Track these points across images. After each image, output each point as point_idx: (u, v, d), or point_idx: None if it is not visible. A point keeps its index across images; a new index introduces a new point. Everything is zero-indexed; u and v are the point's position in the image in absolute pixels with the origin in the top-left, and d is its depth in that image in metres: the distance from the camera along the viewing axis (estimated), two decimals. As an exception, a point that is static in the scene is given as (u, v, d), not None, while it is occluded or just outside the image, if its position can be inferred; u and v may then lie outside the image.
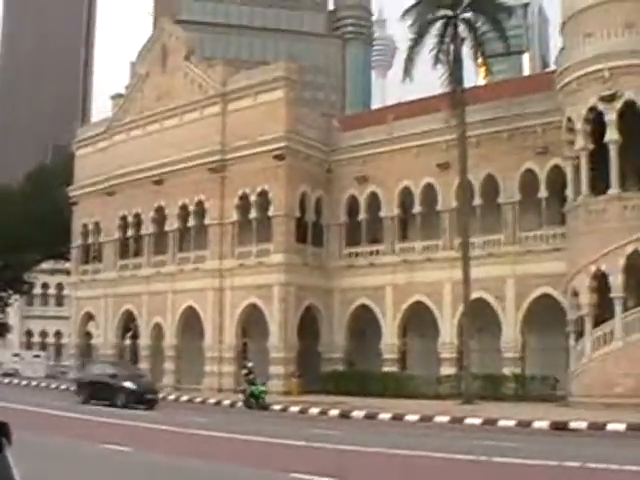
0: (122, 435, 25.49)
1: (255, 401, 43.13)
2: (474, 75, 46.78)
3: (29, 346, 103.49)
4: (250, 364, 46.99)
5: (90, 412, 35.64)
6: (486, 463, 19.54)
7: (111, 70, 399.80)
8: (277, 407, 43.03)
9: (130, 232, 65.18)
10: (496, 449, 22.11)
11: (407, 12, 48.36)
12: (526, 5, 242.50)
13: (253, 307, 55.73)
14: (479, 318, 47.38)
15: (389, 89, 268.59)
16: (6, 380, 70.53)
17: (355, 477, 17.71)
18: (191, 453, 21.20)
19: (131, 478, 17.28)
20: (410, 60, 47.43)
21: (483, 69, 48.26)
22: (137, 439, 25.11)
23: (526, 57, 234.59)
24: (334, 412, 39.52)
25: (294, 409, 41.96)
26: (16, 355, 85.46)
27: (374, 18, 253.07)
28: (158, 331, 61.77)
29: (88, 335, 73.31)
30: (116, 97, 69.36)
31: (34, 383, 65.96)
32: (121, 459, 19.34)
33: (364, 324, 55.68)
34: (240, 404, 44.26)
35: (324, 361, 55.99)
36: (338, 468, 18.38)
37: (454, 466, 19.70)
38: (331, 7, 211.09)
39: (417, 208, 53.98)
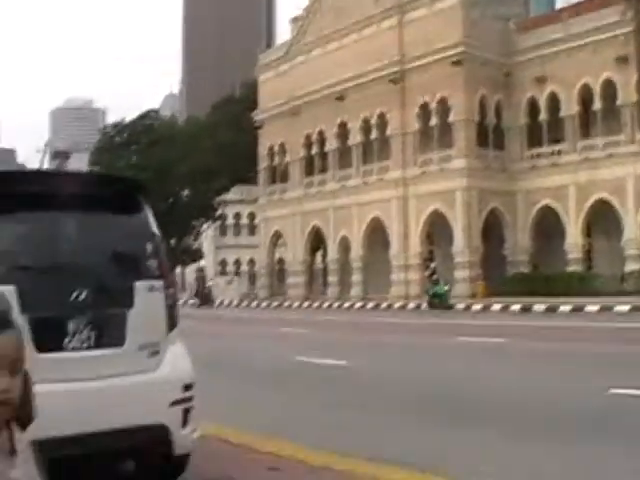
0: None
1: (438, 301, 43.58)
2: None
3: (223, 274, 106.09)
4: (433, 264, 47.61)
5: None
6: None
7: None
8: (460, 306, 43.51)
9: (315, 150, 66.65)
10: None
11: None
12: None
13: (437, 214, 56.18)
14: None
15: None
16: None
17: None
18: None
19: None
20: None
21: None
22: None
23: None
24: (515, 307, 39.65)
25: (477, 307, 42.35)
26: (210, 281, 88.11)
27: None
28: (345, 244, 63.03)
29: (281, 261, 75.41)
30: (295, 20, 70.35)
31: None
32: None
33: (548, 225, 55.12)
34: (424, 306, 44.84)
35: (509, 264, 55.81)
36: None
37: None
38: None
39: (597, 104, 52.67)
